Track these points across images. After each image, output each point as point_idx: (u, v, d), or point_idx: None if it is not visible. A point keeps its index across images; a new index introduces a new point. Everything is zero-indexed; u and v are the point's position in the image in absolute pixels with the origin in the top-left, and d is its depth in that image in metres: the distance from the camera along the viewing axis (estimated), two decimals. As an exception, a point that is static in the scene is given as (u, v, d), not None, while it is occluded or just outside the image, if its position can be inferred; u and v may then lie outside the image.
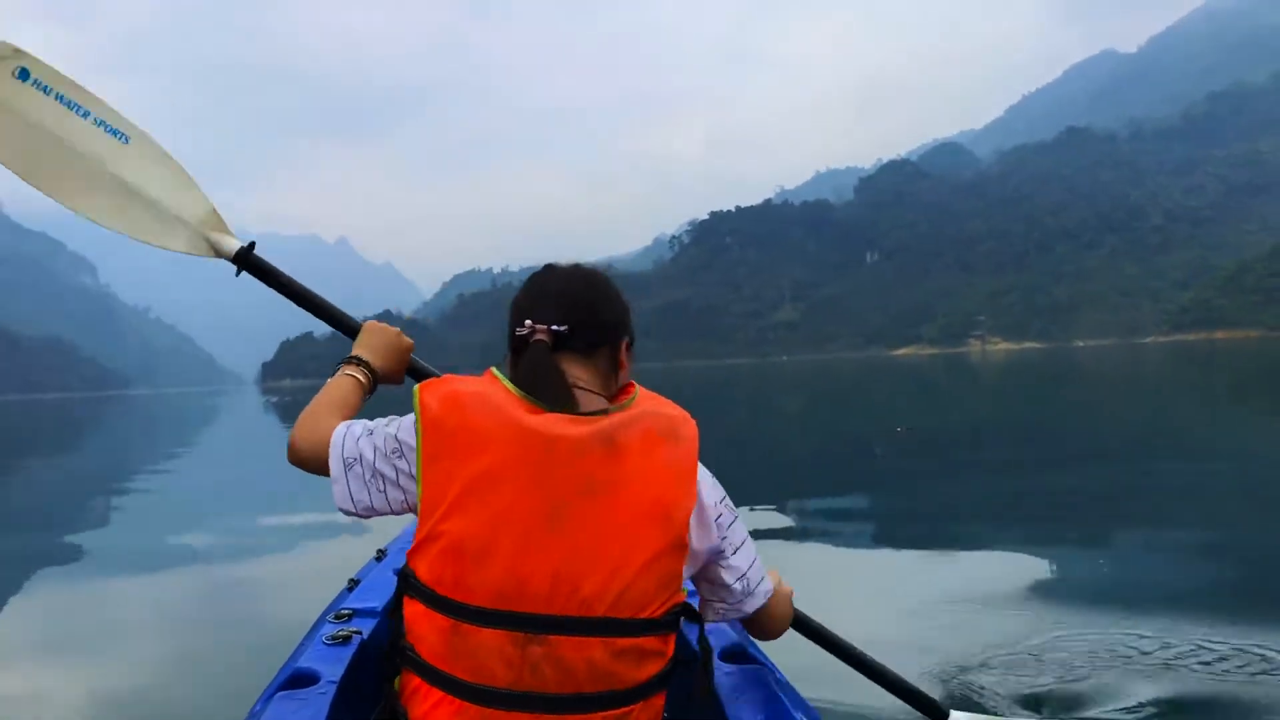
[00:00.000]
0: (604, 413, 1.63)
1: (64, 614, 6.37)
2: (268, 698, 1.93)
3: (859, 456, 14.10)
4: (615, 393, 1.74)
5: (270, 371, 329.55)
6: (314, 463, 1.79)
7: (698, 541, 1.67)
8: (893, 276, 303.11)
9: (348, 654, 2.14)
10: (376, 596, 2.58)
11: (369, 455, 1.69)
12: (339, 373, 2.01)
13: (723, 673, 2.02)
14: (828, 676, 3.43)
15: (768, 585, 1.86)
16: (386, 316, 2.48)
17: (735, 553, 1.76)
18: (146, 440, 30.32)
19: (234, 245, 2.25)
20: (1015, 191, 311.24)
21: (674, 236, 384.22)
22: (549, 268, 1.81)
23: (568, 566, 1.53)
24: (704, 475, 1.70)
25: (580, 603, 1.52)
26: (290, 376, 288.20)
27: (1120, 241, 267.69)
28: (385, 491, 1.69)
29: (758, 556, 1.82)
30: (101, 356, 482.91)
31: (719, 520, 1.71)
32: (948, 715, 2.62)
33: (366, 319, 2.21)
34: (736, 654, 2.15)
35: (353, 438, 1.73)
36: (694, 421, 1.67)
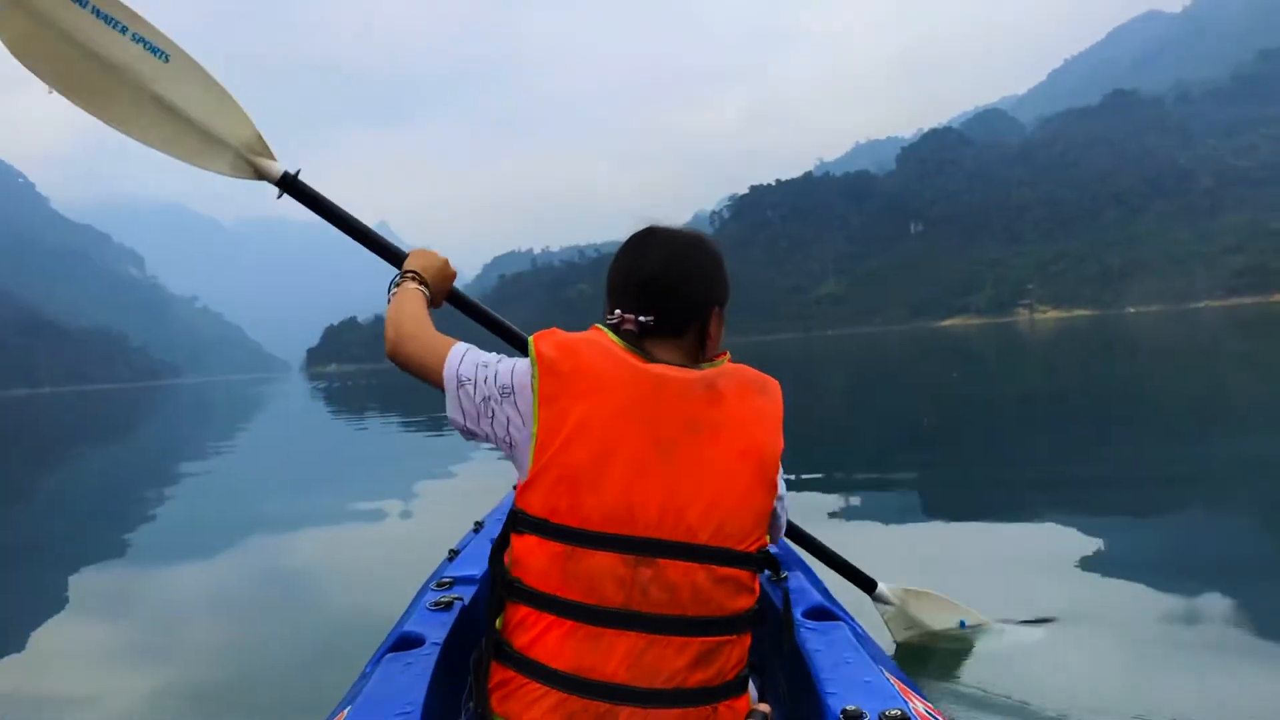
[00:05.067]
0: (698, 367, 1.75)
1: (198, 584, 6.70)
2: (378, 659, 2.03)
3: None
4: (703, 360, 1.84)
5: (315, 357, 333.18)
6: (419, 368, 1.90)
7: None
8: (938, 247, 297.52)
9: (450, 618, 2.24)
10: (475, 565, 2.68)
11: (481, 385, 1.80)
12: (402, 286, 2.11)
13: (805, 628, 2.13)
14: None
15: (787, 502, 1.96)
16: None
17: (783, 489, 1.87)
18: (196, 429, 30.42)
19: (278, 169, 2.26)
20: (1061, 157, 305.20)
21: (714, 212, 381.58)
22: (647, 236, 1.85)
23: (674, 495, 1.63)
24: None
25: (686, 529, 1.62)
26: (336, 362, 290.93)
27: (1170, 206, 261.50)
28: (491, 421, 1.79)
29: None
30: (150, 346, 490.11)
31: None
32: (875, 585, 3.27)
33: None
34: (819, 612, 2.28)
35: (469, 363, 1.84)
36: (778, 382, 1.80)
